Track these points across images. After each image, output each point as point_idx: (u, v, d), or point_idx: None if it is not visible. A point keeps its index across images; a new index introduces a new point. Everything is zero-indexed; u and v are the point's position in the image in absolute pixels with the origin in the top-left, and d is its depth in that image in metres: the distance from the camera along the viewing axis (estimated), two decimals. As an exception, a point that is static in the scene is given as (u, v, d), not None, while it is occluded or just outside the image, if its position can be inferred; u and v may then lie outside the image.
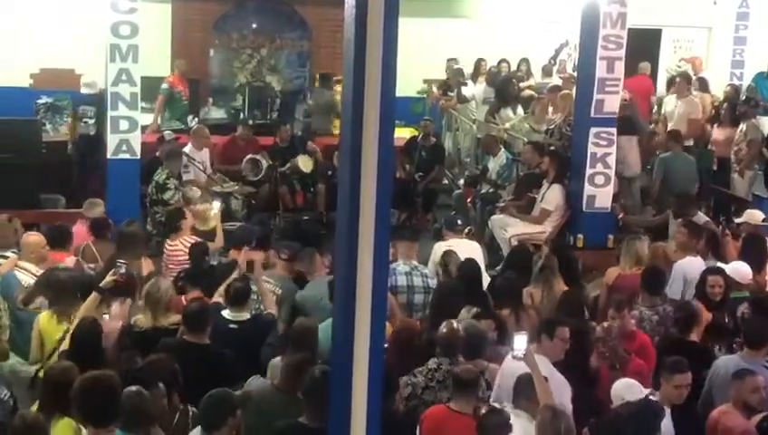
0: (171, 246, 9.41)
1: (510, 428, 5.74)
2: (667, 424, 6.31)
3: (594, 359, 7.17)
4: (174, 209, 10.09)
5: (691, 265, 8.91)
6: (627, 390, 6.33)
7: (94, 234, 9.20)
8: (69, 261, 8.51)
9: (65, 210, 11.52)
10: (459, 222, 10.38)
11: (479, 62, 16.40)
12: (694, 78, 15.65)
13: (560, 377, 6.57)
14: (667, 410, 6.42)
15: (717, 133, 13.70)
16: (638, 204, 12.65)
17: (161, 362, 6.14)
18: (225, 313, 7.43)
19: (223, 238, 9.88)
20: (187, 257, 8.98)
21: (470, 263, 8.64)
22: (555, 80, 15.97)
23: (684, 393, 6.58)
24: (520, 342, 6.39)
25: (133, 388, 5.61)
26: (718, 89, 16.17)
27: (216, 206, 10.41)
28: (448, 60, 16.68)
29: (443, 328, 6.91)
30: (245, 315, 7.45)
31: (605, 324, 7.39)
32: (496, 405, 6.06)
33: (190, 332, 6.90)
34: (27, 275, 8.05)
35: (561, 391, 6.45)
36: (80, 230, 9.52)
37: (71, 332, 6.84)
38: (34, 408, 5.90)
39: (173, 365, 6.12)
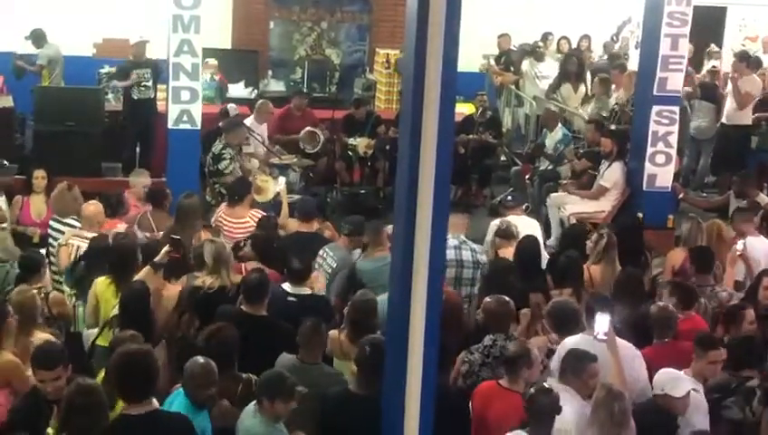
0: (236, 219, 9.19)
1: (559, 408, 5.58)
2: (699, 400, 6.21)
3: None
4: (241, 178, 10.00)
5: (751, 245, 8.77)
6: (670, 383, 6.08)
7: (152, 203, 9.20)
8: (120, 228, 8.62)
9: (125, 178, 11.66)
10: (516, 199, 10.30)
11: (546, 37, 16.23)
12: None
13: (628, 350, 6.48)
14: (700, 387, 6.32)
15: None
16: (706, 168, 13.67)
17: (224, 329, 6.16)
18: (286, 285, 7.43)
19: (288, 212, 9.81)
20: (250, 230, 8.84)
21: (529, 239, 8.51)
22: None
23: (718, 369, 6.50)
24: (602, 323, 6.12)
25: (200, 359, 5.67)
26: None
27: (282, 181, 10.38)
28: (499, 36, 16.51)
29: None
30: (306, 290, 7.44)
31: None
32: (545, 384, 5.86)
33: (248, 303, 6.90)
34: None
35: (631, 364, 6.38)
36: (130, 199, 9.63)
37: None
38: (101, 377, 5.92)
39: (235, 334, 6.14)
